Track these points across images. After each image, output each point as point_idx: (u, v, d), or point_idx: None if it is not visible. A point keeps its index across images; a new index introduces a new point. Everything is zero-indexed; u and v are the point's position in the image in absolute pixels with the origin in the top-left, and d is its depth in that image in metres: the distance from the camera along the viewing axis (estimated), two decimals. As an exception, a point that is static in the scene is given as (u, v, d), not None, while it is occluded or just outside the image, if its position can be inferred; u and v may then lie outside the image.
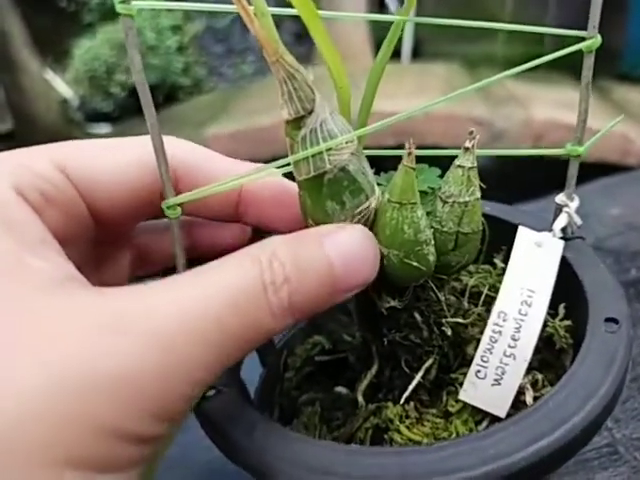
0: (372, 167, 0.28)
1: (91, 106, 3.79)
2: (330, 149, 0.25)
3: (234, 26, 4.23)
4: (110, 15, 3.91)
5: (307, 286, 0.23)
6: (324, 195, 0.26)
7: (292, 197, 0.29)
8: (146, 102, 0.24)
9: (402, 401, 0.29)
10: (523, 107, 2.47)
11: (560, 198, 0.31)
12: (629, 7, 2.90)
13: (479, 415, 0.28)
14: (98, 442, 0.19)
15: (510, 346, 0.27)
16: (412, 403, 0.29)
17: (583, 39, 0.28)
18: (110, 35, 3.81)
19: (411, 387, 0.29)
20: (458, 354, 0.30)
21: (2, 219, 0.22)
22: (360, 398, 0.30)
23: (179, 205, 0.26)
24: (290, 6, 0.23)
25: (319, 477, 0.22)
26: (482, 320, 0.31)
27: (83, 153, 0.27)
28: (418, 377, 0.29)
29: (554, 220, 0.31)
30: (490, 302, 0.31)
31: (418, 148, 0.26)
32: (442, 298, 0.29)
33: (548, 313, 0.29)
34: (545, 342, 0.30)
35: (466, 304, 0.31)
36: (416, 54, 3.70)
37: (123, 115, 3.66)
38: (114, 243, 0.31)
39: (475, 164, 0.28)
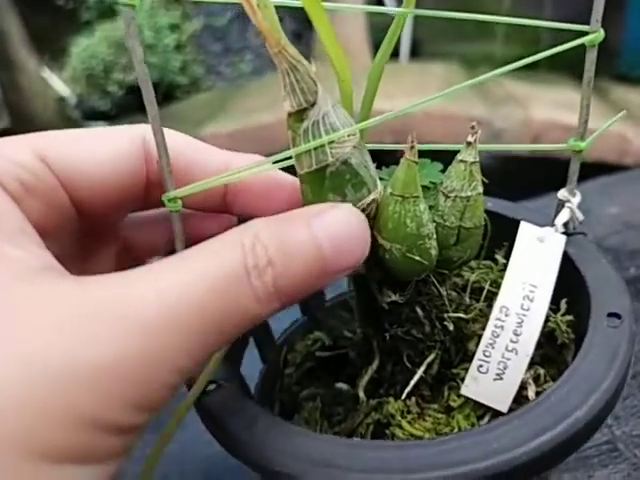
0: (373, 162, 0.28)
1: (88, 104, 3.79)
2: (332, 142, 0.25)
3: (232, 25, 4.23)
4: (108, 13, 3.90)
5: (293, 269, 0.22)
6: (326, 188, 0.26)
7: (281, 188, 0.29)
8: (147, 94, 0.24)
9: (404, 396, 0.29)
10: (522, 107, 2.48)
11: (562, 193, 0.31)
12: (627, 7, 2.91)
13: (481, 410, 0.28)
14: (78, 433, 0.19)
15: (512, 341, 0.27)
16: (413, 398, 0.29)
17: (585, 34, 0.28)
18: (108, 33, 3.81)
19: (413, 382, 0.29)
20: (459, 349, 0.30)
21: None
22: (361, 393, 0.30)
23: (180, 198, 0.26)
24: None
25: (321, 470, 0.22)
26: (484, 316, 0.31)
27: (64, 142, 0.26)
28: (420, 372, 0.29)
29: (556, 215, 0.31)
30: (491, 298, 0.31)
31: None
32: (444, 293, 0.29)
33: (550, 308, 0.28)
34: (547, 337, 0.30)
35: (468, 299, 0.31)
36: (414, 54, 3.71)
37: (120, 113, 3.65)
38: (100, 235, 0.31)
39: (477, 159, 0.28)
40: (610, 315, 0.27)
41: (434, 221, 0.28)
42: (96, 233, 0.30)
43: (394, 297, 0.29)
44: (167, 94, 3.65)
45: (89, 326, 0.19)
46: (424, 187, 0.29)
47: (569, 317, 0.30)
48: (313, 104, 0.24)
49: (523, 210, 0.35)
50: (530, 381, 0.27)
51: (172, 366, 0.20)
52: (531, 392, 0.27)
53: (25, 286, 0.20)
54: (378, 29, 3.30)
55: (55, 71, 3.99)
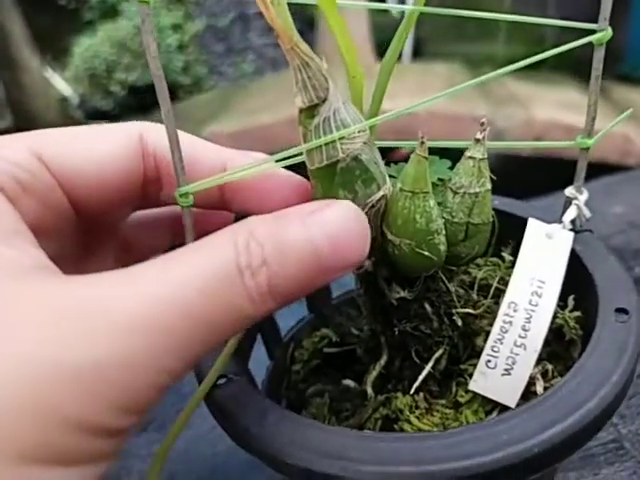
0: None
1: (91, 104, 3.80)
2: (343, 138, 0.25)
3: (234, 25, 4.24)
4: (110, 13, 3.91)
5: (288, 269, 0.21)
6: (336, 184, 0.26)
7: (281, 186, 0.28)
8: (160, 90, 0.24)
9: (412, 391, 0.29)
10: (524, 107, 2.48)
11: (569, 191, 0.31)
12: (630, 8, 2.91)
13: (489, 405, 0.28)
14: (62, 435, 0.18)
15: (520, 336, 0.27)
16: (421, 394, 0.29)
17: (591, 33, 0.28)
18: (110, 33, 3.82)
19: (421, 377, 0.29)
20: (467, 345, 0.30)
21: None
22: (369, 389, 0.31)
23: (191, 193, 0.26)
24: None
25: (332, 462, 0.22)
26: (491, 312, 0.31)
27: (60, 140, 0.26)
28: (428, 367, 0.29)
29: (563, 213, 0.31)
30: (499, 295, 0.31)
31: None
32: (452, 289, 0.30)
33: (557, 305, 0.29)
34: (554, 333, 0.30)
35: (475, 296, 0.31)
36: (416, 54, 3.71)
37: (123, 113, 3.66)
38: (100, 233, 0.30)
39: (486, 155, 0.28)
40: (618, 311, 0.27)
41: (442, 217, 0.28)
42: (96, 231, 0.30)
43: (403, 293, 0.29)
44: (169, 94, 3.65)
45: (71, 325, 0.19)
46: (432, 184, 0.29)
47: (577, 313, 0.30)
48: (324, 100, 0.25)
49: (529, 208, 0.35)
50: (538, 376, 0.28)
51: (158, 368, 0.19)
52: (539, 387, 0.27)
53: (16, 285, 0.20)
54: (381, 29, 3.30)
55: (58, 71, 4.00)
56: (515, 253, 0.30)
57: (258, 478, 0.42)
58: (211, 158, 0.28)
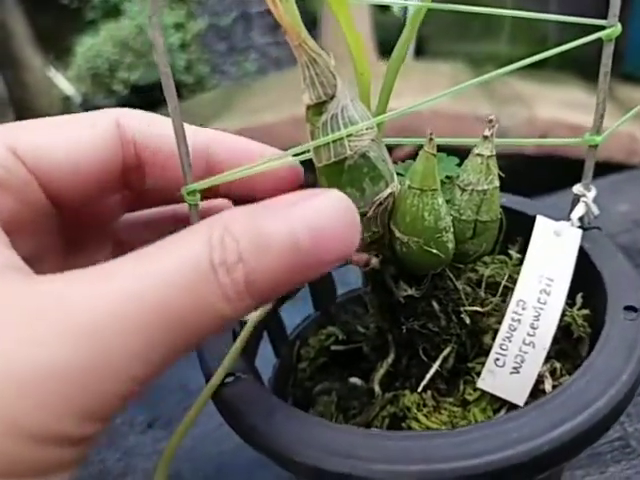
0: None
1: (93, 103, 3.79)
2: (351, 135, 0.25)
3: (237, 24, 4.24)
4: (113, 12, 3.91)
5: (266, 265, 0.19)
6: (344, 181, 0.26)
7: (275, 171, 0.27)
8: (168, 86, 0.24)
9: (420, 389, 0.29)
10: (528, 106, 2.48)
11: (577, 188, 0.31)
12: (632, 7, 2.90)
13: (497, 404, 0.28)
14: (18, 446, 0.17)
15: (529, 334, 0.27)
16: (429, 392, 0.29)
17: (598, 30, 0.28)
18: (113, 32, 3.82)
19: (429, 375, 0.29)
20: (475, 343, 0.30)
21: None
22: (376, 387, 0.30)
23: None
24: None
25: (340, 460, 0.22)
26: (499, 310, 0.31)
27: (36, 132, 0.25)
28: (436, 365, 0.29)
29: (571, 210, 0.31)
30: (506, 293, 0.31)
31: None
32: (460, 287, 0.29)
33: (565, 302, 0.29)
34: (563, 331, 0.30)
35: (483, 294, 0.31)
36: (419, 52, 3.70)
37: (126, 113, 3.65)
38: (87, 227, 0.30)
39: (494, 152, 0.28)
40: (626, 308, 0.27)
41: (451, 215, 0.28)
42: (82, 225, 0.29)
43: (410, 291, 0.29)
44: (172, 93, 3.65)
45: (29, 328, 0.17)
46: (440, 181, 0.29)
47: (585, 311, 0.30)
48: (332, 97, 0.24)
49: (535, 206, 0.35)
50: (547, 374, 0.28)
51: (124, 374, 0.18)
52: (548, 385, 0.27)
53: None
54: (382, 28, 3.30)
55: (60, 70, 4.01)
56: (522, 251, 0.30)
57: (265, 476, 0.42)
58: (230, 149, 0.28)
